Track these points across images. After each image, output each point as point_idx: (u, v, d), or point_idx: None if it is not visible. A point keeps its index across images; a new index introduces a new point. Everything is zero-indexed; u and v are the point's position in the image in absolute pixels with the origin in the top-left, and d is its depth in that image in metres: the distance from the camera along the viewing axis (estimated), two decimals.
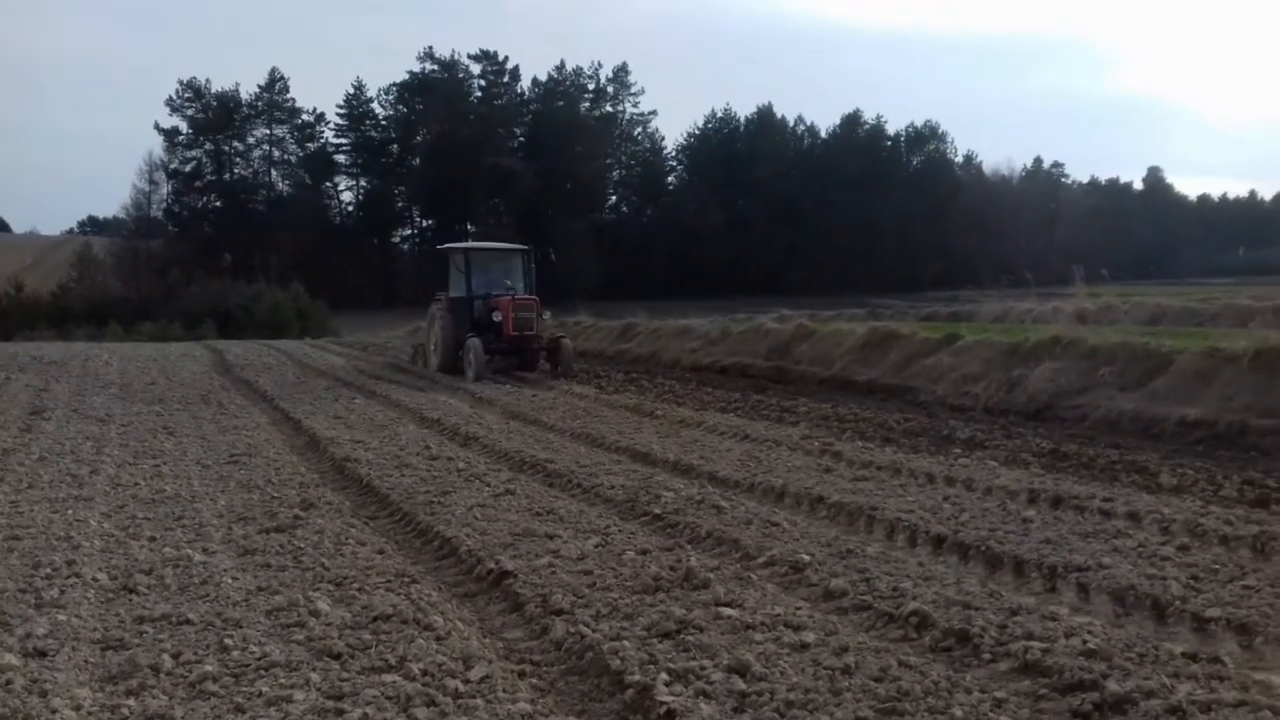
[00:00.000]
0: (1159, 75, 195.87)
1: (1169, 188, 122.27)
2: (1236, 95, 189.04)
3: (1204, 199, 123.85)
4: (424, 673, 4.60)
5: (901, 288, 76.73)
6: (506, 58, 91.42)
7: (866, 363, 17.90)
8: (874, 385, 16.73)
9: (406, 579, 6.15)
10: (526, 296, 20.09)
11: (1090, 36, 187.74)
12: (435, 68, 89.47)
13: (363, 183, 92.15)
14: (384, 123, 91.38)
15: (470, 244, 22.99)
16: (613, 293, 59.74)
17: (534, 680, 4.76)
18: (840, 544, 6.93)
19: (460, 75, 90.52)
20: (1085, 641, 4.79)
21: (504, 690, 4.46)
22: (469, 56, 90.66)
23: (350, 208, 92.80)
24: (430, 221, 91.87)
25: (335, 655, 4.84)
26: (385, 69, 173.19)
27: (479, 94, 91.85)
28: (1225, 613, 5.26)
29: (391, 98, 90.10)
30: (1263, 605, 5.38)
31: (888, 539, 7.31)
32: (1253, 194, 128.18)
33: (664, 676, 4.52)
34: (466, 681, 4.55)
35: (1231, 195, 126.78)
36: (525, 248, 21.97)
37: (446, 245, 22.44)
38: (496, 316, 19.55)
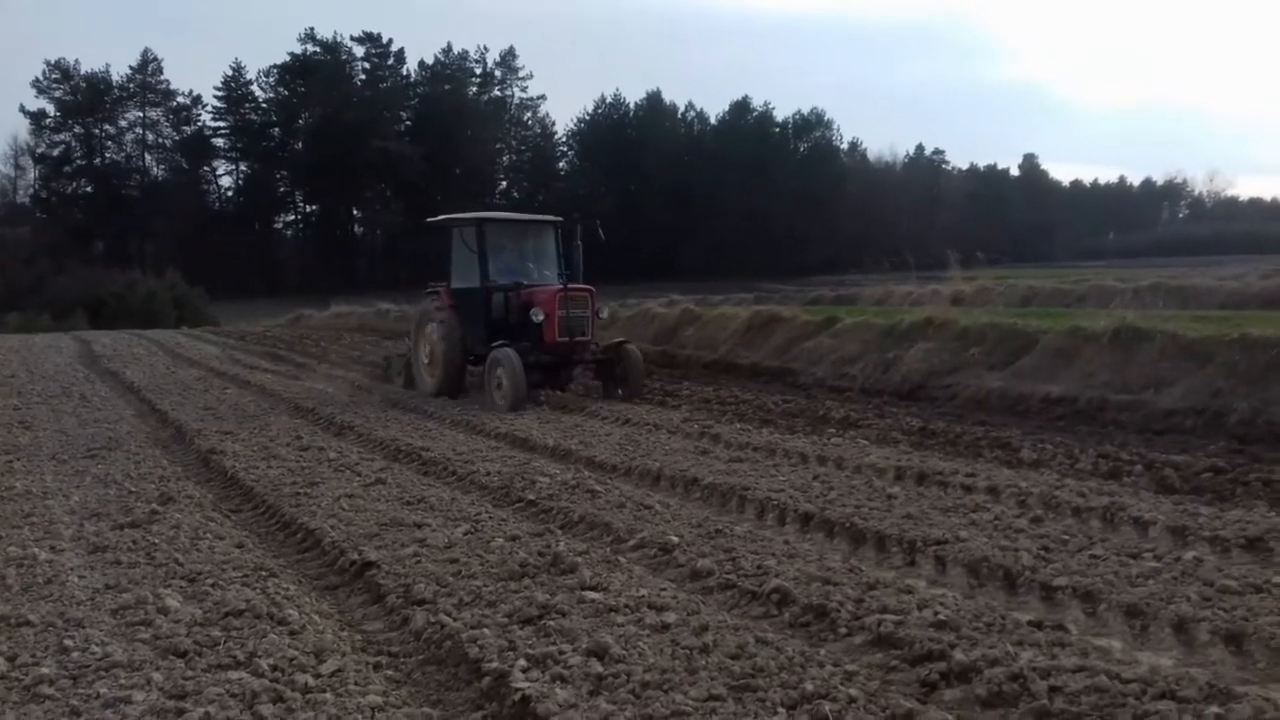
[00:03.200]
0: (1035, 64, 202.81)
1: (1044, 174, 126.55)
2: (1106, 84, 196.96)
3: (1076, 184, 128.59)
4: (273, 668, 4.46)
5: (790, 272, 77.85)
6: (391, 40, 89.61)
7: (750, 346, 18.08)
8: (757, 368, 16.92)
9: (264, 573, 5.96)
10: (580, 287, 14.11)
11: (969, 25, 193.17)
12: (317, 49, 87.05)
13: (243, 167, 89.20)
14: (264, 106, 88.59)
15: (485, 214, 15.61)
16: None
17: (389, 672, 4.66)
18: (710, 525, 6.97)
19: (343, 57, 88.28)
20: (937, 613, 4.91)
21: (355, 683, 4.35)
22: (352, 38, 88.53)
23: (230, 193, 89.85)
24: (314, 207, 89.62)
25: (181, 653, 4.66)
26: (265, 50, 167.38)
27: (363, 76, 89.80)
28: (1072, 581, 5.44)
29: (272, 80, 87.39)
30: (1108, 574, 5.58)
31: (758, 518, 7.40)
32: (1122, 180, 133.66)
33: (522, 663, 4.47)
34: (317, 676, 4.42)
35: (1102, 181, 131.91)
36: (558, 219, 15.72)
37: (448, 216, 15.56)
38: (537, 316, 13.71)
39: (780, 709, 4.00)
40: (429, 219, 16.21)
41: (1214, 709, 3.72)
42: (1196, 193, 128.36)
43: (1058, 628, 4.83)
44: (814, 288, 46.22)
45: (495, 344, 13.66)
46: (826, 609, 5.08)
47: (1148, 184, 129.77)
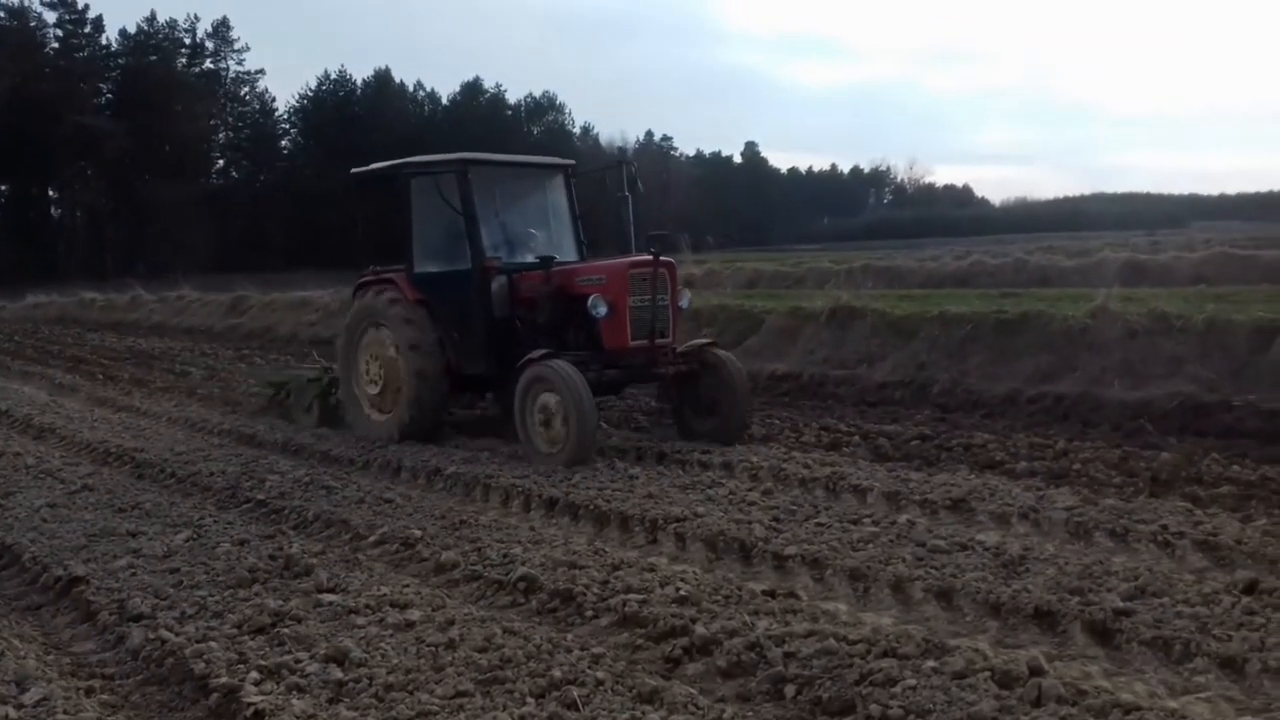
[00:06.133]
0: (756, 52, 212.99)
1: (764, 161, 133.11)
2: (820, 73, 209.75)
3: (793, 171, 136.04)
4: None
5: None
6: (87, 6, 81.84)
7: None
8: None
9: None
10: (660, 259, 8.98)
11: (694, 11, 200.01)
12: (2, 15, 78.44)
13: None
14: None
15: (469, 155, 9.87)
16: (223, 264, 55.77)
17: (105, 696, 4.26)
18: (455, 515, 6.85)
19: (32, 24, 79.92)
20: (679, 589, 5.03)
21: (65, 711, 3.94)
22: (42, 3, 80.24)
23: None
24: (4, 186, 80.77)
25: None
26: None
27: (56, 45, 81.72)
28: (801, 550, 5.73)
29: None
30: (832, 540, 5.92)
31: (503, 506, 7.35)
32: (834, 167, 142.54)
33: (254, 675, 4.20)
34: (20, 707, 3.98)
35: (817, 169, 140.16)
36: (568, 161, 10.96)
37: (401, 161, 10.14)
38: (598, 308, 8.78)
39: (529, 699, 3.96)
40: (355, 170, 10.69)
41: (930, 663, 4.02)
42: (899, 180, 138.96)
43: (790, 595, 5.06)
44: None
45: (539, 354, 8.50)
46: (573, 593, 5.09)
47: (856, 171, 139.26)
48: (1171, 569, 5.24)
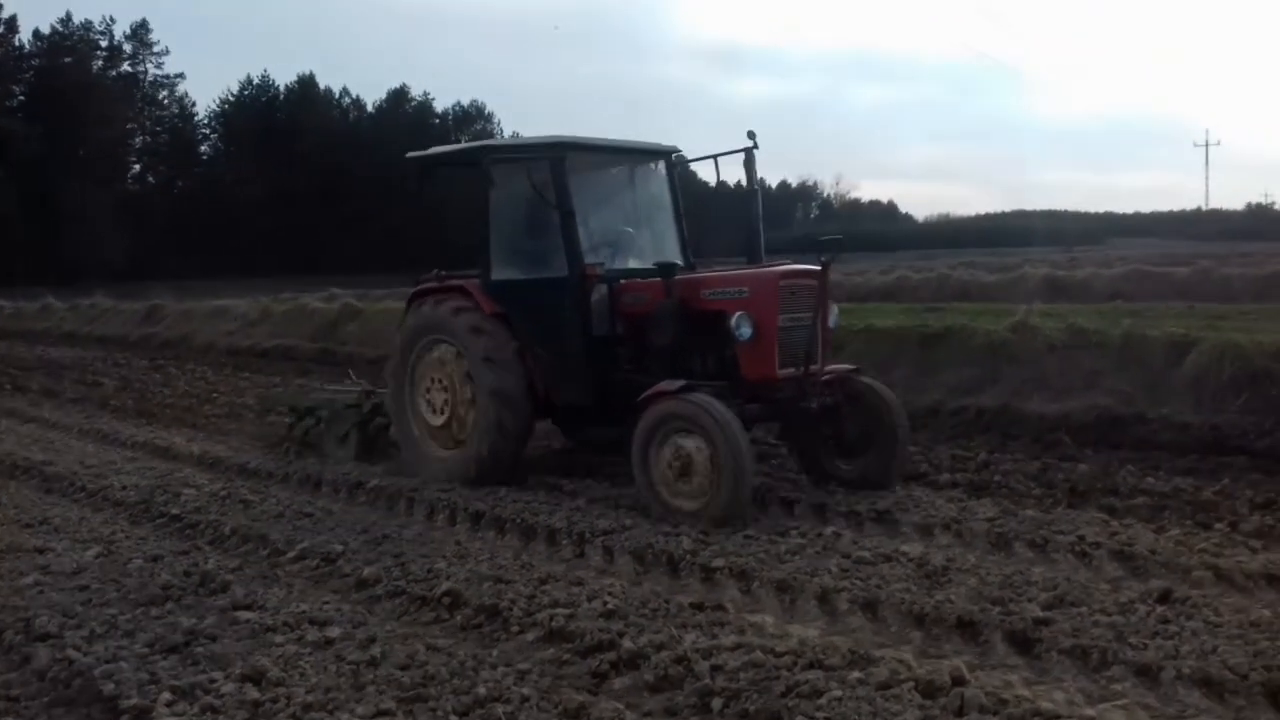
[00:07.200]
0: (687, 64, 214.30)
1: (693, 175, 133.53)
2: (750, 87, 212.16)
3: (722, 185, 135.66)
4: None
5: (459, 265, 77.30)
6: (1, 5, 79.56)
7: None
8: None
9: None
10: (810, 269, 7.41)
11: (625, 24, 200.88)
12: None
13: None
14: None
15: (563, 137, 8.00)
16: (139, 272, 54.30)
17: (9, 719, 4.09)
18: (378, 529, 6.73)
19: None
20: (606, 603, 4.99)
21: None
22: None
23: None
24: None
25: None
26: None
27: None
28: (729, 562, 5.72)
29: None
30: (759, 552, 5.93)
31: (428, 519, 7.22)
32: (762, 181, 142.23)
33: (166, 696, 4.07)
34: None
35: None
36: (671, 148, 8.90)
37: (483, 144, 9.12)
38: (742, 329, 7.12)
39: (453, 717, 3.89)
40: (413, 154, 9.07)
41: (856, 674, 4.04)
42: (825, 195, 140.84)
43: (717, 608, 5.05)
44: None
45: (674, 385, 6.87)
46: (499, 608, 5.02)
47: (784, 186, 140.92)
48: (1089, 578, 5.35)
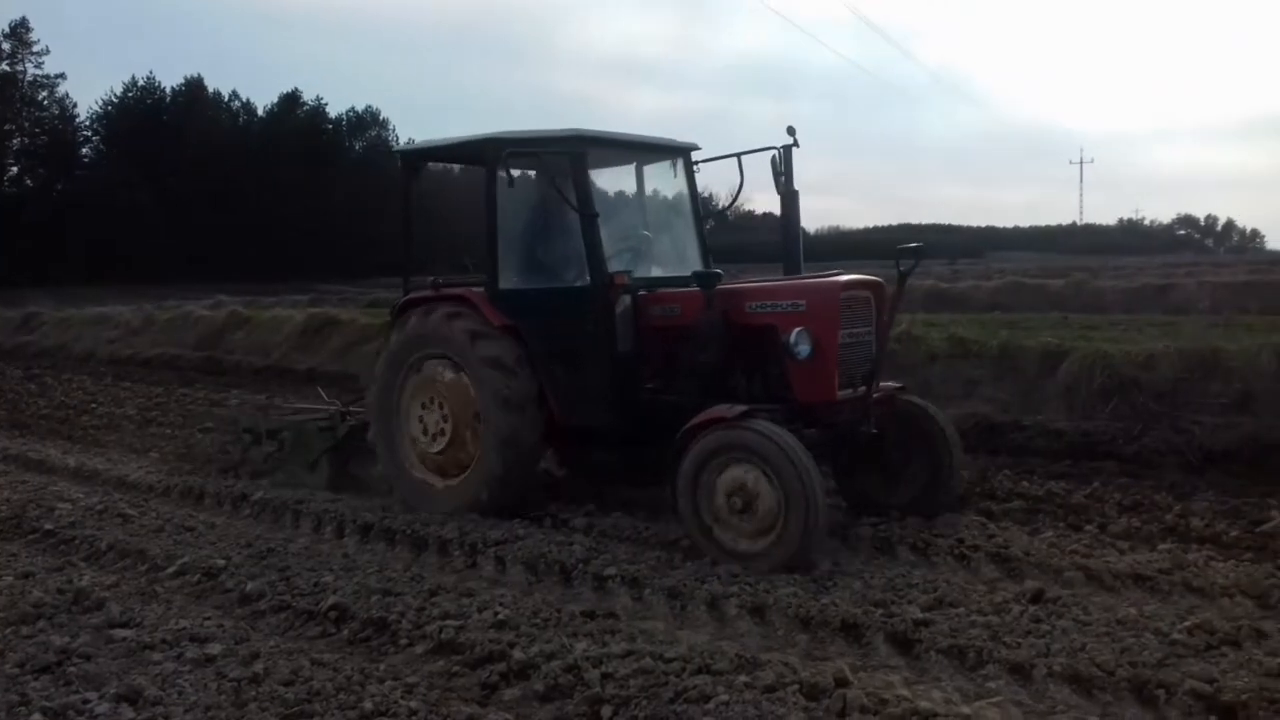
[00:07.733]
0: (585, 77, 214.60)
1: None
2: (646, 99, 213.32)
3: (620, 195, 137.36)
4: None
5: (356, 273, 75.72)
6: None
7: (306, 350, 17.43)
8: (314, 372, 16.26)
9: None
10: (866, 278, 6.79)
11: (524, 34, 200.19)
12: None
13: None
14: None
15: (581, 130, 7.09)
16: (15, 278, 51.95)
17: None
18: (262, 543, 6.57)
19: None
20: (497, 614, 4.97)
21: None
22: None
23: None
24: None
25: None
26: None
27: None
28: (620, 570, 5.76)
29: None
30: (651, 559, 5.98)
31: (315, 532, 7.08)
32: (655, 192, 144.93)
33: (37, 717, 3.93)
34: None
35: None
36: (690, 144, 8.07)
37: (490, 137, 7.18)
38: (800, 347, 6.27)
39: None
40: (398, 149, 8.42)
41: (743, 678, 4.10)
42: (719, 207, 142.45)
43: (609, 615, 5.07)
44: (378, 289, 45.46)
45: (733, 410, 6.00)
46: (387, 621, 4.96)
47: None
48: (967, 580, 5.53)
